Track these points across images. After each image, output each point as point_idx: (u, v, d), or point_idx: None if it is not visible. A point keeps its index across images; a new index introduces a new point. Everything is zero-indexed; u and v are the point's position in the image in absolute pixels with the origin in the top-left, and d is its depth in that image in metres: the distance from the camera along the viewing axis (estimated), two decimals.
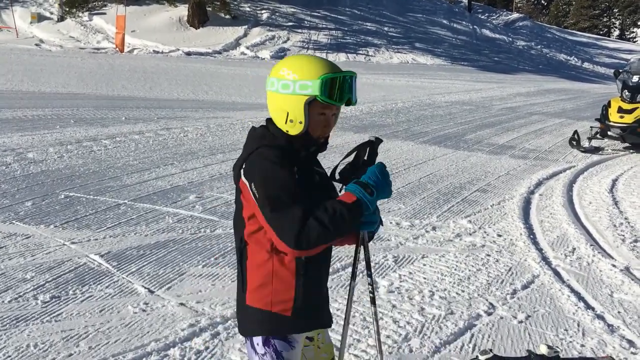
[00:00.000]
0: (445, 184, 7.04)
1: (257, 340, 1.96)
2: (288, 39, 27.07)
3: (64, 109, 9.91)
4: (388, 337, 3.49)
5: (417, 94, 16.62)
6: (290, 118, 1.88)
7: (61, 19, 25.16)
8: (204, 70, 18.23)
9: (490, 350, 2.87)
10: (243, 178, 1.87)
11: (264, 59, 23.92)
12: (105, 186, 6.03)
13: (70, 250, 4.42)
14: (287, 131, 1.91)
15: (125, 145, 7.83)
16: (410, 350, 3.37)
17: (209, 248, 4.66)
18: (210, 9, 27.46)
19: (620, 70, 10.15)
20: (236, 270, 2.04)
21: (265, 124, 2.00)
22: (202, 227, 5.09)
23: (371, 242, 4.99)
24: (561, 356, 3.40)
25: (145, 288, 3.92)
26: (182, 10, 26.77)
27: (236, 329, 3.45)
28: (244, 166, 1.88)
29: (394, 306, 3.88)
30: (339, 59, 25.86)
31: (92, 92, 12.19)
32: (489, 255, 4.89)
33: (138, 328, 3.44)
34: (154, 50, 22.73)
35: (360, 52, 27.65)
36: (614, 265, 4.78)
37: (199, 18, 26.44)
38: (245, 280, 1.95)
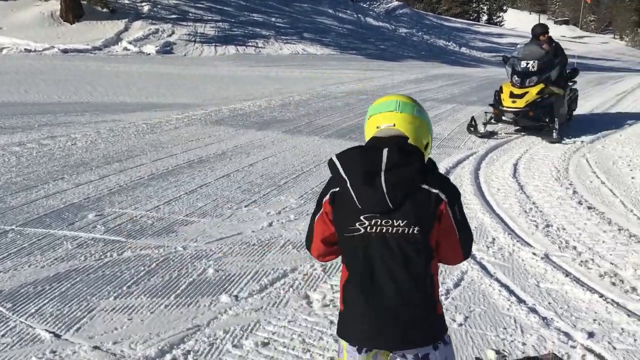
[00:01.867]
0: None
1: (446, 336, 2.13)
2: (173, 32, 25.96)
3: None
4: (332, 359, 3.26)
5: (312, 85, 16.50)
6: (429, 147, 2.15)
7: None
8: (85, 69, 16.98)
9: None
10: (448, 206, 2.00)
11: (149, 54, 22.75)
12: None
13: None
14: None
15: (5, 159, 6.99)
16: None
17: (119, 275, 4.18)
18: (85, 2, 25.69)
19: (509, 56, 10.51)
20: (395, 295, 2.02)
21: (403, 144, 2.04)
22: (107, 250, 4.58)
23: (295, 250, 4.75)
24: (508, 359, 3.36)
25: (49, 332, 3.41)
26: (54, 4, 24.83)
27: None
28: (444, 195, 1.98)
29: (331, 322, 3.65)
30: (229, 51, 25.23)
31: None
32: None
33: None
34: (25, 49, 20.85)
35: (250, 44, 27.13)
36: (534, 254, 4.85)
37: (73, 12, 24.63)
38: (434, 296, 2.07)
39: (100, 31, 24.32)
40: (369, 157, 1.96)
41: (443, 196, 1.97)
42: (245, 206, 5.81)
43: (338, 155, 2.04)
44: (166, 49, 23.70)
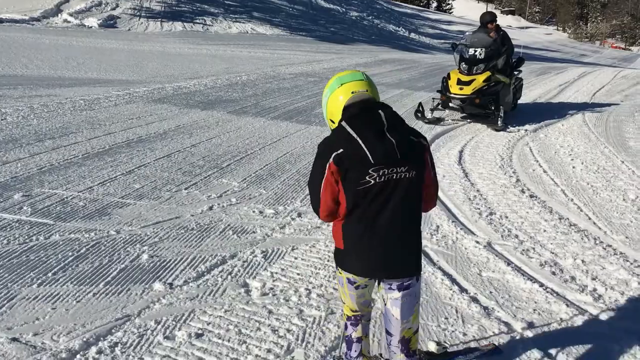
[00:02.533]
0: (303, 164, 6.77)
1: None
2: (117, 5, 25.02)
3: None
4: (269, 351, 3.12)
5: (260, 66, 16.20)
6: None
7: None
8: (21, 41, 16.12)
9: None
10: (428, 151, 2.47)
11: (91, 27, 21.84)
12: None
13: None
14: None
15: None
16: None
17: (45, 260, 3.91)
18: None
19: (457, 43, 10.54)
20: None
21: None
22: (33, 233, 4.29)
23: (235, 236, 4.58)
24: (449, 350, 3.30)
25: None
26: None
27: None
28: (425, 142, 2.44)
29: (270, 312, 3.51)
30: (175, 28, 24.49)
31: None
32: None
33: None
34: None
35: (197, 20, 26.43)
36: (477, 242, 4.84)
37: None
38: (420, 233, 2.53)
39: (39, 1, 23.19)
40: (372, 119, 2.35)
41: (426, 143, 2.45)
42: (185, 189, 5.59)
43: (345, 120, 2.39)
44: (109, 22, 22.82)
